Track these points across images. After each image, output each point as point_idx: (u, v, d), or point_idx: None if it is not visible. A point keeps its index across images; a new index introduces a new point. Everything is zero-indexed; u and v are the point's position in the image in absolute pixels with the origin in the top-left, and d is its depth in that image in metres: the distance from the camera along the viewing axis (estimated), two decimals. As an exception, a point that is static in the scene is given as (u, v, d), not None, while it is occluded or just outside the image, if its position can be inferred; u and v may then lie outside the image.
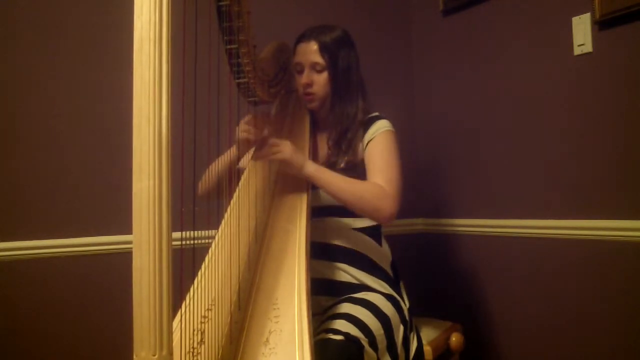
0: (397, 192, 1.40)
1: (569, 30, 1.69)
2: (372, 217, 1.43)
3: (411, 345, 1.45)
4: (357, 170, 1.46)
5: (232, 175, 1.35)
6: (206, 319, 0.95)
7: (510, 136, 1.92)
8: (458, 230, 2.14)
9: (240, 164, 1.45)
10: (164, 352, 0.65)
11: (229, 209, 1.25)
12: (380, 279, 1.48)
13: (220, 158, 1.36)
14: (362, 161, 1.47)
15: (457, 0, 2.11)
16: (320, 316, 1.38)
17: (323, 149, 1.55)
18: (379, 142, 1.46)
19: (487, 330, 1.99)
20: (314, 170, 1.37)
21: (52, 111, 1.78)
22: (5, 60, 1.74)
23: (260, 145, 1.37)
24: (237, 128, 1.35)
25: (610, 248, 1.60)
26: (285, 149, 1.33)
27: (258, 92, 1.33)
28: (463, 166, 2.12)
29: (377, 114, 1.53)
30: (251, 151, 1.43)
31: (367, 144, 1.47)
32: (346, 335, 1.20)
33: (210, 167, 1.34)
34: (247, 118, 1.37)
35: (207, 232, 1.04)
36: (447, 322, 1.77)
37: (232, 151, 1.40)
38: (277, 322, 1.00)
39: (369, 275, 1.47)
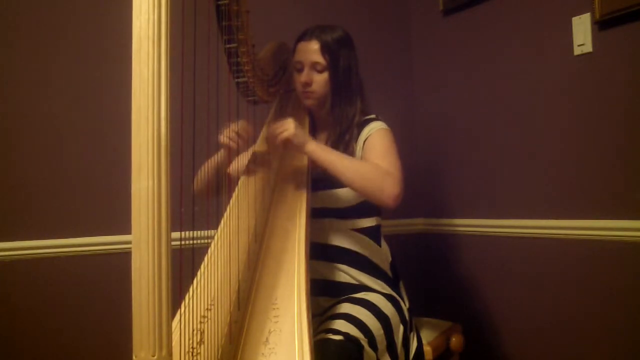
0: (400, 175, 1.36)
1: (569, 30, 1.69)
2: (375, 198, 1.35)
3: (411, 346, 1.45)
4: None
5: (222, 179, 1.35)
6: (206, 319, 0.95)
7: (510, 136, 1.92)
8: (458, 230, 2.13)
9: (231, 170, 1.42)
10: (164, 353, 0.65)
11: (228, 209, 1.25)
12: (379, 279, 1.48)
13: (210, 160, 1.35)
14: (360, 163, 1.46)
15: (457, 0, 2.11)
16: (320, 317, 1.38)
17: (322, 149, 1.55)
18: (376, 137, 1.45)
19: (487, 330, 1.98)
20: (316, 146, 1.35)
21: (52, 111, 1.79)
22: (5, 60, 1.74)
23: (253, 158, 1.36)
24: (225, 130, 1.33)
25: (610, 248, 1.60)
26: (290, 125, 1.31)
27: (257, 91, 1.33)
28: (463, 166, 2.12)
29: (373, 115, 1.52)
30: (242, 156, 1.42)
31: (363, 143, 1.46)
32: (346, 335, 1.20)
33: (204, 165, 1.33)
34: (238, 125, 1.35)
35: (206, 232, 1.04)
36: (447, 322, 1.77)
37: (221, 154, 1.39)
38: (276, 322, 1.00)
39: (368, 276, 1.46)
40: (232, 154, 1.38)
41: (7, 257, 1.72)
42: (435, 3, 2.21)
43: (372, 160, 1.42)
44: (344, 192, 1.44)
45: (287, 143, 1.32)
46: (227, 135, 1.33)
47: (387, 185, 1.32)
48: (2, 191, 1.73)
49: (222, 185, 1.36)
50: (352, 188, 1.36)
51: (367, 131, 1.47)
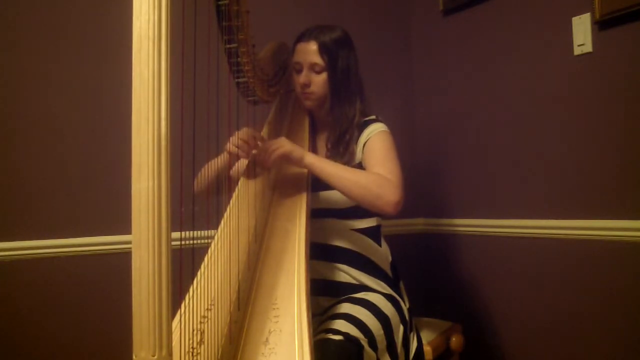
0: (399, 181, 1.35)
1: (569, 30, 1.69)
2: (374, 207, 1.34)
3: (411, 345, 1.45)
4: None
5: (222, 181, 1.35)
6: (206, 319, 0.95)
7: (510, 136, 1.92)
8: (458, 230, 2.13)
9: (232, 172, 1.43)
10: (164, 353, 0.65)
11: (228, 209, 1.25)
12: (379, 279, 1.48)
13: (212, 162, 1.36)
14: (360, 164, 1.46)
15: (457, 0, 2.11)
16: (320, 317, 1.38)
17: (322, 150, 1.55)
18: (376, 140, 1.45)
19: (487, 330, 1.99)
20: (315, 159, 1.36)
21: (52, 111, 1.79)
22: (5, 60, 1.74)
23: (254, 159, 1.37)
24: (230, 139, 1.34)
25: (610, 248, 1.60)
26: (283, 143, 1.33)
27: (257, 91, 1.33)
28: (463, 166, 2.12)
29: (373, 117, 1.52)
30: (243, 159, 1.43)
31: (363, 145, 1.46)
32: (346, 335, 1.20)
33: (203, 168, 1.34)
34: (242, 132, 1.36)
35: (206, 232, 1.04)
36: (447, 322, 1.77)
37: (224, 157, 1.40)
38: (276, 322, 1.00)
39: (368, 276, 1.46)
40: (236, 160, 1.39)
41: (7, 257, 1.72)
42: (435, 3, 2.21)
43: (371, 165, 1.42)
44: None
45: (282, 160, 1.34)
46: (234, 143, 1.34)
47: (385, 194, 1.31)
48: (2, 191, 1.73)
49: (222, 188, 1.36)
50: (350, 198, 1.36)
51: (367, 133, 1.47)
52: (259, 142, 1.39)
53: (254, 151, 1.40)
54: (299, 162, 1.34)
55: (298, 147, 1.35)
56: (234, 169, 1.44)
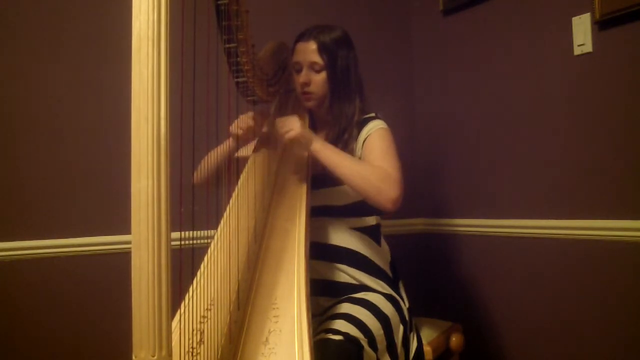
0: (399, 177, 1.36)
1: (569, 30, 1.69)
2: (374, 200, 1.34)
3: (411, 345, 1.45)
4: None
5: (230, 165, 1.36)
6: (205, 319, 0.95)
7: (510, 136, 1.92)
8: (458, 230, 2.13)
9: (238, 153, 1.46)
10: (163, 353, 0.65)
11: (228, 209, 1.25)
12: (379, 279, 1.48)
13: (217, 148, 1.38)
14: (359, 161, 1.46)
15: (457, 0, 2.11)
16: (320, 317, 1.38)
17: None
18: (375, 137, 1.46)
19: (487, 330, 1.99)
20: (321, 145, 1.37)
21: (52, 111, 1.79)
22: (5, 60, 1.74)
23: (260, 141, 1.38)
24: (235, 122, 1.38)
25: (610, 248, 1.60)
26: (294, 125, 1.34)
27: (257, 91, 1.33)
28: (463, 166, 2.12)
29: (372, 114, 1.52)
30: (250, 144, 1.44)
31: (363, 142, 1.46)
32: (345, 335, 1.20)
33: (207, 155, 1.34)
34: (246, 115, 1.39)
35: (206, 232, 1.04)
36: (447, 322, 1.77)
37: (230, 142, 1.42)
38: (276, 322, 1.00)
39: (368, 276, 1.46)
40: (240, 143, 1.42)
41: (7, 257, 1.72)
42: (435, 3, 2.21)
43: (371, 161, 1.42)
44: (344, 190, 1.43)
45: (294, 142, 1.35)
46: (237, 125, 1.37)
47: (385, 188, 1.33)
48: (2, 191, 1.73)
49: (222, 177, 1.37)
50: (352, 188, 1.37)
51: (366, 131, 1.47)
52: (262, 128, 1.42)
53: (255, 150, 1.41)
54: (307, 147, 1.37)
55: (308, 131, 1.38)
56: (240, 151, 1.46)
